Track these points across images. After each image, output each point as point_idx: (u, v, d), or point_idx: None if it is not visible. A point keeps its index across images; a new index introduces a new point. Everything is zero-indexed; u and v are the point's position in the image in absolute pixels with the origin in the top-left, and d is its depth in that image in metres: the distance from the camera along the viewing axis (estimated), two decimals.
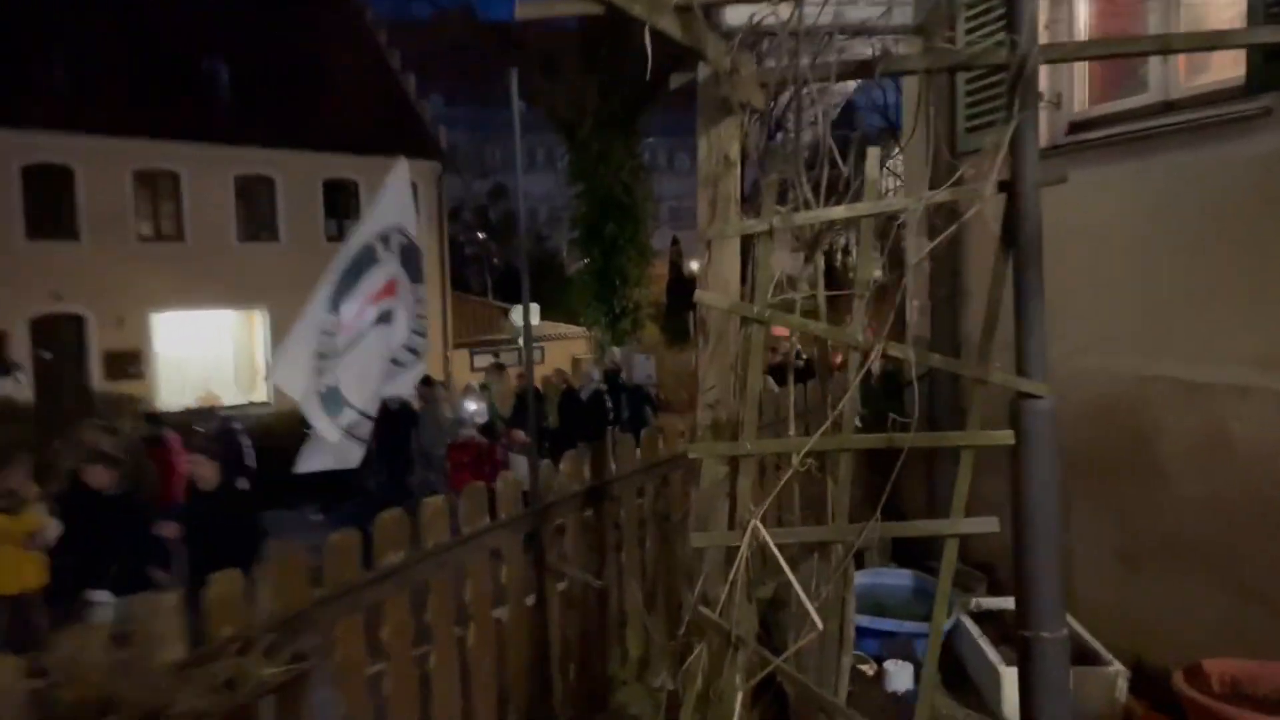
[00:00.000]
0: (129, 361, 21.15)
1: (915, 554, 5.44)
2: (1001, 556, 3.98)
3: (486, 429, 12.90)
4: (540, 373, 19.43)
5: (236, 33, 22.76)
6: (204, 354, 22.81)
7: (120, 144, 20.45)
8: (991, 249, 2.94)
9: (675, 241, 41.56)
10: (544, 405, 13.29)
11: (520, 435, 11.72)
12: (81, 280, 20.11)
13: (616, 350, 19.25)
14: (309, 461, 5.29)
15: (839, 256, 50.41)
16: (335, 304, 5.81)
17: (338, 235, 24.19)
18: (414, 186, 25.22)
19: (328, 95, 22.79)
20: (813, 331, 3.06)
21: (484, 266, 40.86)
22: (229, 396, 22.19)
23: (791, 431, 3.30)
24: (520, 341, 22.17)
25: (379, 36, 26.55)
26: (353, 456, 5.53)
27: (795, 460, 2.81)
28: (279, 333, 23.17)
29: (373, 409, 5.93)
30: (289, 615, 2.93)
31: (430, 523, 3.66)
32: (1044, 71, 5.17)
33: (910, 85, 6.41)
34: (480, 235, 42.80)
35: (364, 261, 6.09)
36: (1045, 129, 5.05)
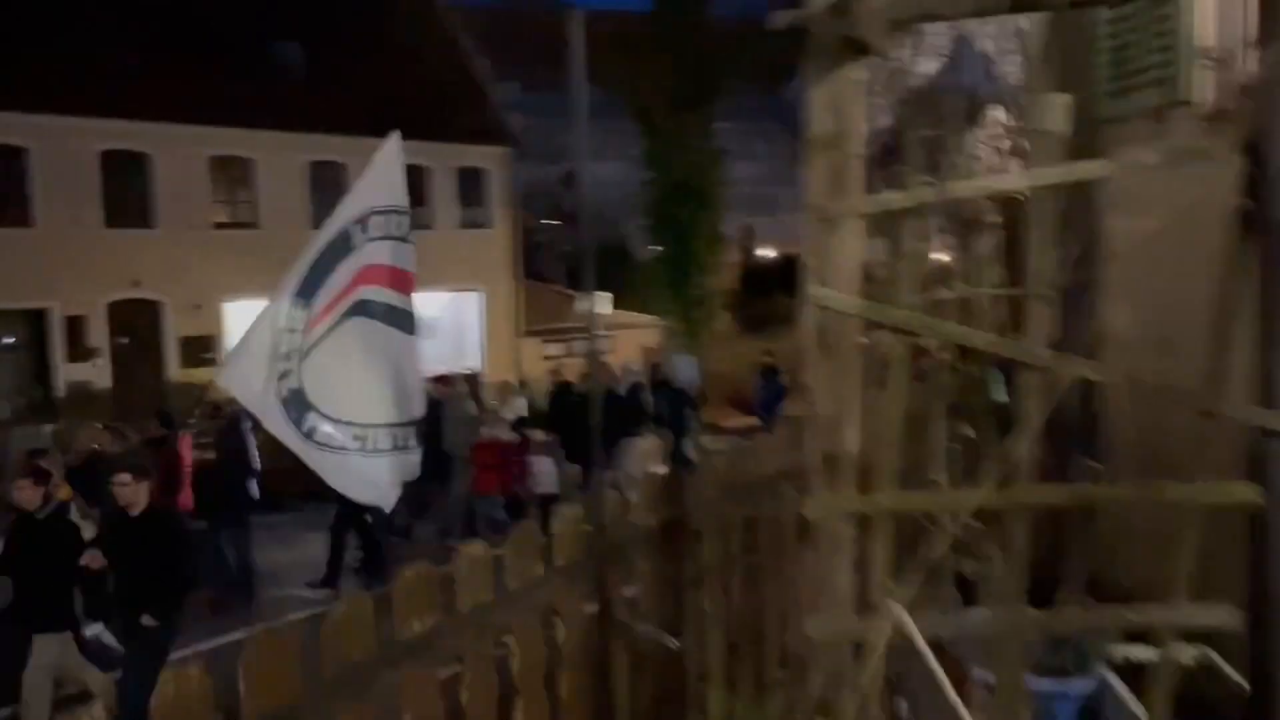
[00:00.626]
0: (204, 348, 21.13)
1: None
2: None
3: (518, 426, 12.34)
4: (611, 361, 18.81)
5: (308, 14, 22.52)
6: None
7: (196, 130, 20.37)
8: (1138, 230, 2.11)
9: (749, 228, 40.52)
10: (585, 402, 12.68)
11: (538, 436, 11.41)
12: (158, 266, 20.11)
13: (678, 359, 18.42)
14: (337, 480, 4.69)
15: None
16: (303, 297, 5.08)
17: (411, 223, 23.80)
18: (484, 172, 24.73)
19: (399, 79, 22.43)
20: (978, 345, 2.25)
21: (555, 253, 40.37)
22: None
23: (943, 481, 2.52)
24: (591, 331, 21.50)
25: (451, 19, 26.11)
26: (383, 484, 4.85)
27: (950, 521, 2.04)
28: None
29: (368, 415, 5.19)
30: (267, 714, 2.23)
31: (468, 580, 2.85)
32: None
33: (1033, 41, 5.46)
34: (551, 221, 42.30)
35: (337, 249, 5.35)
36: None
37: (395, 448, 5.24)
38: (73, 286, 19.13)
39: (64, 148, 18.84)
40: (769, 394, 14.65)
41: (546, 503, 10.95)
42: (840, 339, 2.30)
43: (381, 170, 5.70)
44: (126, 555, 5.80)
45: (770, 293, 27.37)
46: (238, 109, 20.47)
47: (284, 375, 4.92)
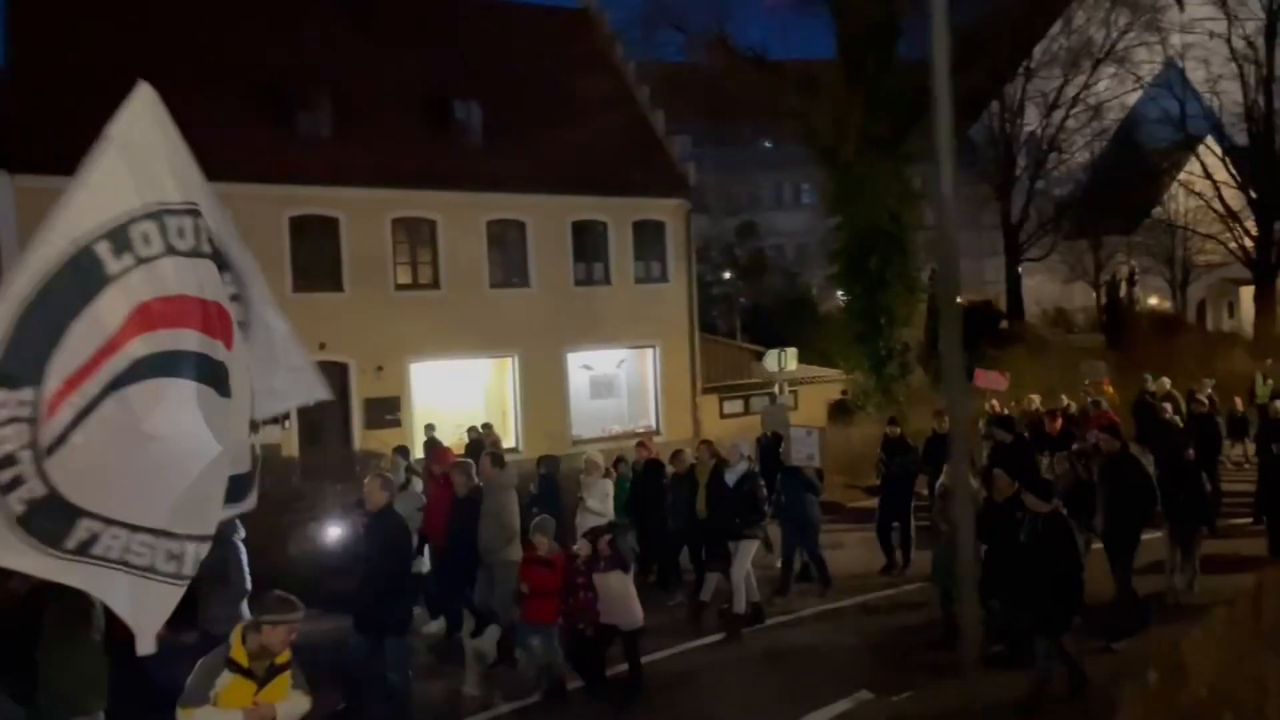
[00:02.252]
0: (387, 409, 21.17)
1: None
2: None
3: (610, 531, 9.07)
4: (793, 419, 17.30)
5: (487, 73, 22.63)
6: (457, 401, 22.62)
7: (381, 194, 20.63)
8: None
9: (933, 275, 38.31)
10: (685, 489, 10.70)
11: (606, 548, 8.27)
12: (344, 329, 20.28)
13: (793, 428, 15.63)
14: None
15: (1123, 286, 44.85)
16: (20, 372, 3.38)
17: (587, 279, 23.46)
18: (661, 225, 24.08)
19: (576, 134, 22.15)
20: None
21: (732, 307, 39.40)
22: None
23: None
24: (776, 389, 20.56)
25: (626, 71, 25.81)
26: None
27: None
28: (529, 379, 22.63)
29: (169, 521, 3.75)
30: None
31: None
32: None
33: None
34: (727, 275, 41.40)
35: (69, 289, 3.52)
36: None
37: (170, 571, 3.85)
38: None
39: (254, 214, 19.35)
40: (896, 469, 11.91)
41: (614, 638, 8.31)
42: None
43: (136, 149, 3.80)
44: None
45: (970, 345, 25.34)
46: (422, 170, 20.62)
47: (17, 483, 3.46)
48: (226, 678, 4.78)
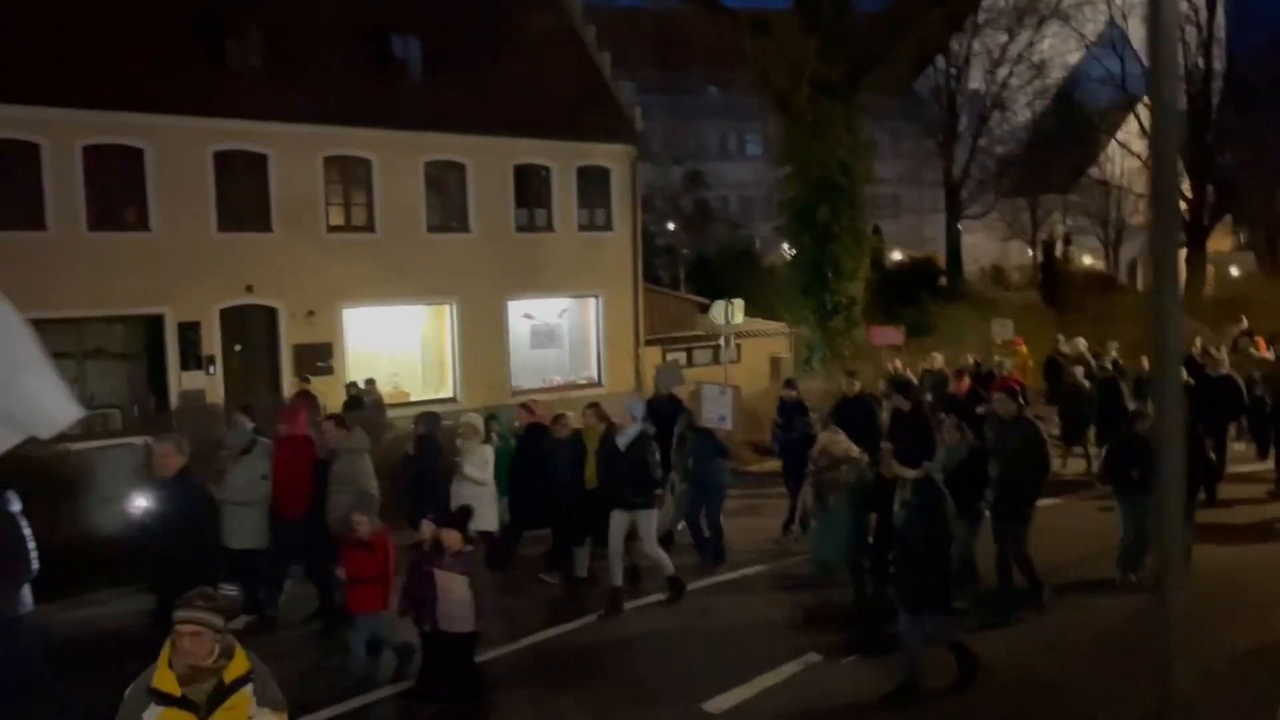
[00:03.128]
0: (319, 356, 20.39)
1: None
2: None
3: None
4: (735, 375, 16.91)
5: (428, 8, 21.56)
6: (393, 349, 21.92)
7: (313, 130, 19.63)
8: None
9: (876, 229, 38.25)
10: (569, 456, 9.75)
11: (455, 539, 6.78)
12: (273, 271, 19.44)
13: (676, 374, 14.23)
14: None
15: (1059, 245, 45.51)
16: None
17: (529, 225, 22.78)
18: (606, 171, 23.57)
19: (520, 73, 21.31)
20: None
21: (676, 258, 38.95)
22: (417, 392, 21.24)
23: None
24: (722, 341, 20.16)
25: (574, 8, 24.88)
26: None
27: None
28: (468, 327, 21.98)
29: None
30: None
31: None
32: None
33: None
34: (671, 226, 40.90)
35: None
36: None
37: None
38: (186, 292, 18.57)
39: (178, 149, 18.31)
40: (796, 433, 11.17)
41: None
42: None
43: None
44: None
45: (912, 300, 25.35)
46: (356, 107, 19.65)
47: None
48: (154, 713, 3.75)
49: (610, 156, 23.51)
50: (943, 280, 36.54)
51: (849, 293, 20.61)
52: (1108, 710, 6.71)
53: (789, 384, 12.40)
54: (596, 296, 23.88)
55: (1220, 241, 41.63)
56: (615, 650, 8.31)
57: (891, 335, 17.81)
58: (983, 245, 45.89)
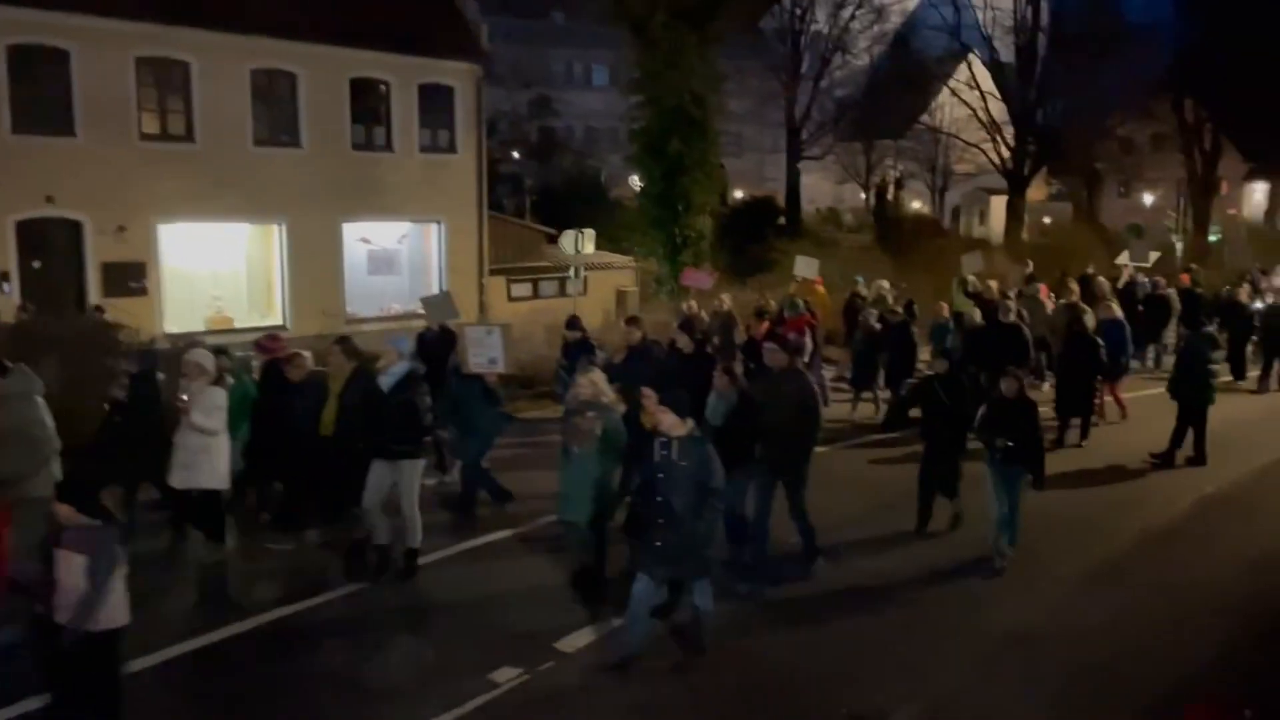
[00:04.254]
0: (131, 275, 18.76)
1: None
2: None
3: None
4: (582, 307, 16.33)
5: None
6: (215, 270, 20.42)
7: (122, 26, 17.74)
8: None
9: (721, 166, 38.60)
10: (307, 401, 8.69)
11: (66, 511, 5.29)
12: (77, 180, 17.62)
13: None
14: None
15: (891, 190, 47.25)
16: None
17: (365, 143, 21.55)
18: (450, 90, 22.38)
19: None
20: None
21: (520, 187, 38.00)
22: (242, 318, 19.91)
23: None
24: (572, 272, 19.72)
25: None
26: None
27: None
28: (299, 249, 20.72)
29: None
30: None
31: None
32: None
33: None
34: (516, 154, 39.85)
35: None
36: None
37: None
38: None
39: None
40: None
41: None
42: None
43: None
44: None
45: (757, 237, 25.66)
46: (170, 3, 17.87)
47: None
48: None
49: (455, 74, 22.42)
50: (782, 220, 37.24)
51: (698, 227, 20.60)
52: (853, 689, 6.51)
53: (571, 324, 11.46)
54: (439, 222, 22.94)
55: (1037, 191, 44.15)
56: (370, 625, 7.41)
57: (702, 279, 17.38)
58: (819, 186, 47.02)
